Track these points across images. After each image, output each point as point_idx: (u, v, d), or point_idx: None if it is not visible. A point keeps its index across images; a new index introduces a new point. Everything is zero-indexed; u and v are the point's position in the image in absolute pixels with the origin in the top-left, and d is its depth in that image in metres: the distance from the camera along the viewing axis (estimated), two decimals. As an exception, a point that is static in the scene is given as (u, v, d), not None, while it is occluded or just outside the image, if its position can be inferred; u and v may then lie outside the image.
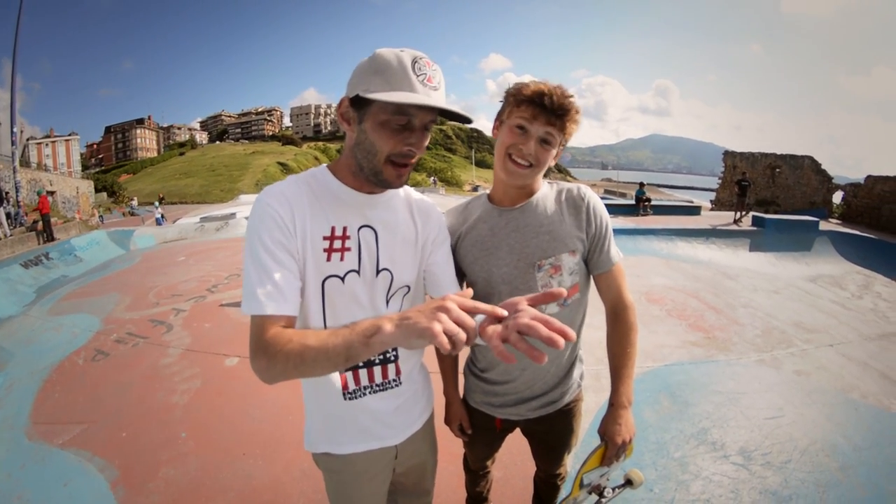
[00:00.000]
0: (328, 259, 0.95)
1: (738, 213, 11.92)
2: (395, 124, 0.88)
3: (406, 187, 1.11)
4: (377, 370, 1.06)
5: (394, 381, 1.09)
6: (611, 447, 1.22)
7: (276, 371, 0.82)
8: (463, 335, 0.64)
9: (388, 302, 1.04)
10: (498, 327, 0.64)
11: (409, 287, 1.07)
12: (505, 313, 0.66)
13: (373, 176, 0.93)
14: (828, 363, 3.93)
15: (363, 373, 1.05)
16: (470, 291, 0.71)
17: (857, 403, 3.24)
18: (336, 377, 1.03)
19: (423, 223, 1.10)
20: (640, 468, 2.37)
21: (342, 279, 0.97)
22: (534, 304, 0.67)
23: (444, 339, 0.63)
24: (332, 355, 0.77)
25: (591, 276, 1.29)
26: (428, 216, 1.12)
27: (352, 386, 1.04)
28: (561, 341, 0.58)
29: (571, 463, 1.70)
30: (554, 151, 1.16)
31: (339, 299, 0.98)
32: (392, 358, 1.08)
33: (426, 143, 0.93)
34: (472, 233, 1.28)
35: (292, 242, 0.91)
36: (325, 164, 1.03)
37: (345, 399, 1.04)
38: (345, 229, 0.97)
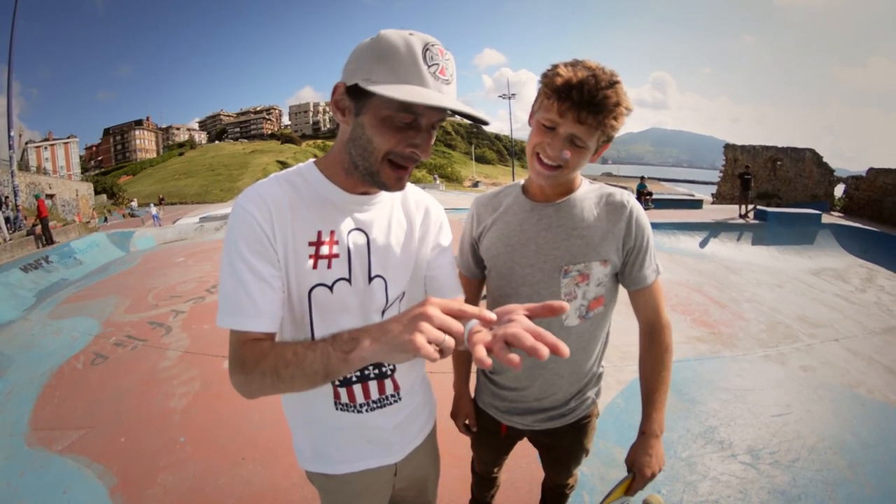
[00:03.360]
0: (314, 267, 0.86)
1: (744, 207, 11.53)
2: (400, 122, 0.76)
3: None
4: (373, 385, 0.97)
5: (392, 396, 0.99)
6: (639, 479, 1.13)
7: (253, 387, 0.77)
8: (450, 341, 0.60)
9: (383, 313, 0.95)
10: (486, 335, 0.59)
11: (403, 293, 0.98)
12: (494, 317, 0.61)
13: (369, 177, 0.82)
14: (833, 358, 3.89)
15: (357, 388, 0.96)
16: (461, 299, 0.68)
17: (863, 399, 3.21)
18: (327, 387, 0.94)
19: (420, 224, 0.99)
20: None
21: (330, 288, 0.88)
22: (532, 315, 0.61)
23: (430, 350, 0.58)
24: (310, 372, 0.72)
25: (627, 291, 1.19)
26: (427, 216, 1.01)
27: (344, 398, 0.95)
28: (545, 351, 0.51)
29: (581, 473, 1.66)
30: (588, 153, 1.01)
31: (329, 310, 0.89)
32: (388, 372, 0.98)
33: (432, 144, 0.81)
34: (499, 224, 1.18)
35: (272, 251, 0.82)
36: (312, 160, 0.92)
37: (336, 409, 0.95)
38: (332, 234, 0.87)
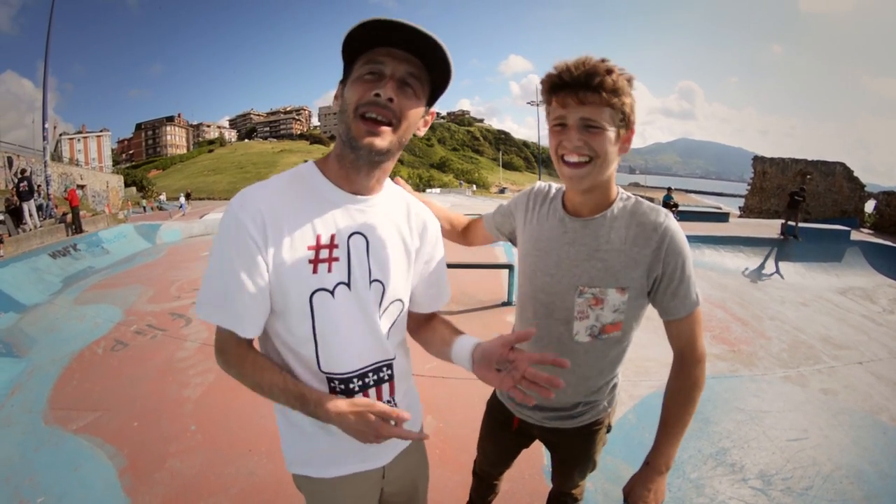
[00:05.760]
0: (314, 271, 0.85)
1: (794, 226, 9.84)
2: (367, 75, 0.81)
3: (405, 194, 1.04)
4: (372, 392, 0.96)
5: (388, 402, 0.99)
6: None
7: (230, 375, 0.91)
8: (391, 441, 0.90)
9: (380, 317, 0.94)
10: (507, 379, 0.85)
11: (402, 303, 0.99)
12: (408, 416, 0.82)
13: (349, 141, 0.83)
14: (856, 382, 3.75)
15: (358, 398, 0.93)
16: (406, 416, 0.83)
17: (885, 427, 3.08)
18: None
19: (418, 234, 1.01)
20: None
21: (332, 293, 0.87)
22: (533, 361, 0.82)
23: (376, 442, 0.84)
24: (275, 401, 0.89)
25: (662, 321, 1.11)
26: (425, 228, 1.02)
27: None
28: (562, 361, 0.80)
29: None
30: (609, 134, 0.95)
31: (331, 316, 0.88)
32: (387, 378, 0.98)
33: (407, 101, 0.82)
34: (532, 225, 1.18)
35: (262, 262, 0.83)
36: (312, 161, 0.93)
37: None
38: (332, 237, 0.87)
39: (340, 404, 0.83)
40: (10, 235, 10.34)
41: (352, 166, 0.87)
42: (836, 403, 3.35)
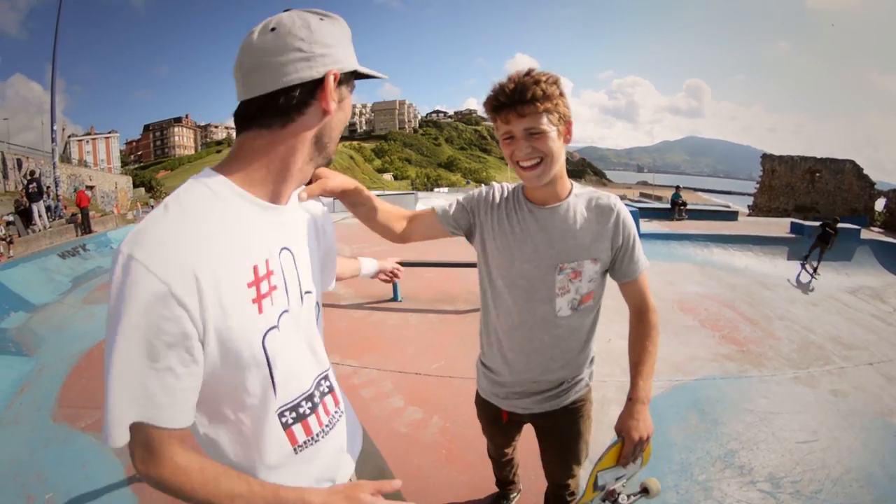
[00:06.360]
0: (260, 311, 0.72)
1: (817, 262, 7.85)
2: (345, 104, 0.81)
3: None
4: (321, 411, 0.89)
5: (336, 412, 0.93)
6: (627, 444, 1.17)
7: (167, 493, 0.67)
8: None
9: (315, 329, 0.90)
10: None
11: (319, 304, 0.95)
12: (400, 484, 0.79)
13: (325, 161, 0.83)
14: (867, 383, 3.70)
15: (312, 420, 0.85)
16: (397, 484, 0.79)
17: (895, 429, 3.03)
18: (280, 434, 0.80)
19: (323, 235, 1.00)
20: (660, 492, 2.28)
21: (279, 328, 0.76)
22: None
23: None
24: None
25: (618, 284, 1.30)
26: (324, 230, 1.01)
27: (302, 438, 0.83)
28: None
29: (582, 475, 1.62)
30: (551, 134, 1.09)
31: (283, 353, 0.77)
32: (327, 389, 0.91)
33: None
34: (502, 219, 1.28)
35: (196, 342, 0.64)
36: (218, 175, 0.73)
37: (296, 454, 0.83)
38: (267, 263, 0.75)
39: (322, 493, 0.72)
40: (19, 236, 10.47)
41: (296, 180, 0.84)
42: (846, 405, 3.30)
